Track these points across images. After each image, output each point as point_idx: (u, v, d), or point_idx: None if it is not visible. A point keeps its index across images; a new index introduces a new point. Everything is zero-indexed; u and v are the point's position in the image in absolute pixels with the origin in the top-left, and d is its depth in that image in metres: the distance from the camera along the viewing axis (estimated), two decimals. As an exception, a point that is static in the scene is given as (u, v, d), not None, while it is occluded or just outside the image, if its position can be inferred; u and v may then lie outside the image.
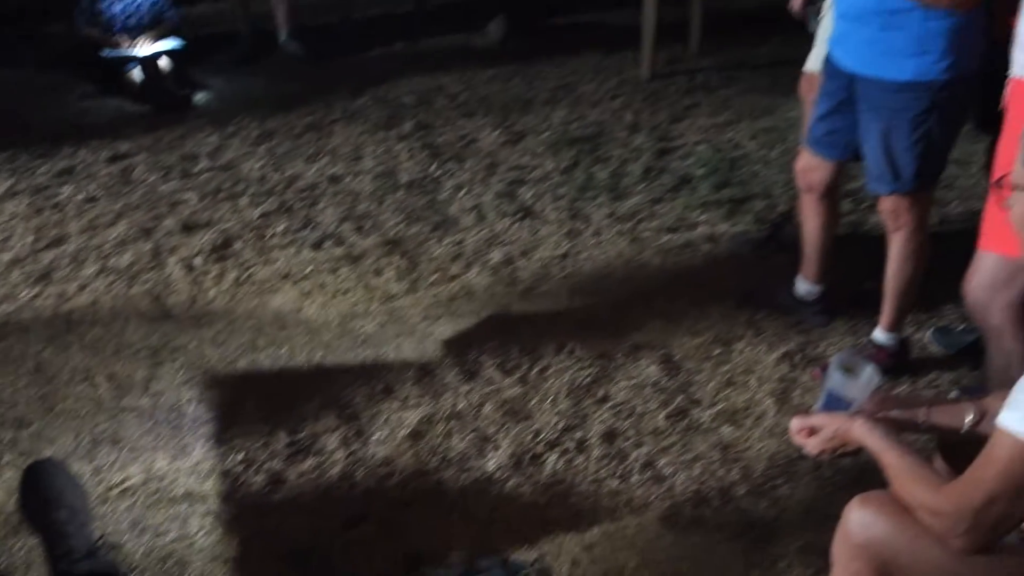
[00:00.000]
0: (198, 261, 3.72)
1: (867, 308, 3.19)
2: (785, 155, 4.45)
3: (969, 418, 1.76)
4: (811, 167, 3.06)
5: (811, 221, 3.19)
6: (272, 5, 5.86)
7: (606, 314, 3.38)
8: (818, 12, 3.35)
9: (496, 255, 3.75)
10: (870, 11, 2.65)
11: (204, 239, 3.86)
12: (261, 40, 5.88)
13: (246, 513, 2.56)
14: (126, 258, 3.74)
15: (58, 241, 3.87)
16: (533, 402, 2.95)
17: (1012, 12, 2.35)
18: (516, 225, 3.97)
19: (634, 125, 4.90)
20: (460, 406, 2.93)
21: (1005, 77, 2.38)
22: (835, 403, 1.86)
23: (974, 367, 2.97)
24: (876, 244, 3.10)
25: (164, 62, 5.24)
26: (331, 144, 4.71)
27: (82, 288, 3.56)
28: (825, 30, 3.19)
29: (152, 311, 3.44)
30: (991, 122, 2.75)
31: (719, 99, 5.24)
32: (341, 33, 6.18)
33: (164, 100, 5.11)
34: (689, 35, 5.96)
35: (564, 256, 3.75)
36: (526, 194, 4.21)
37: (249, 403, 2.95)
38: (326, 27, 6.29)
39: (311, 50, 5.84)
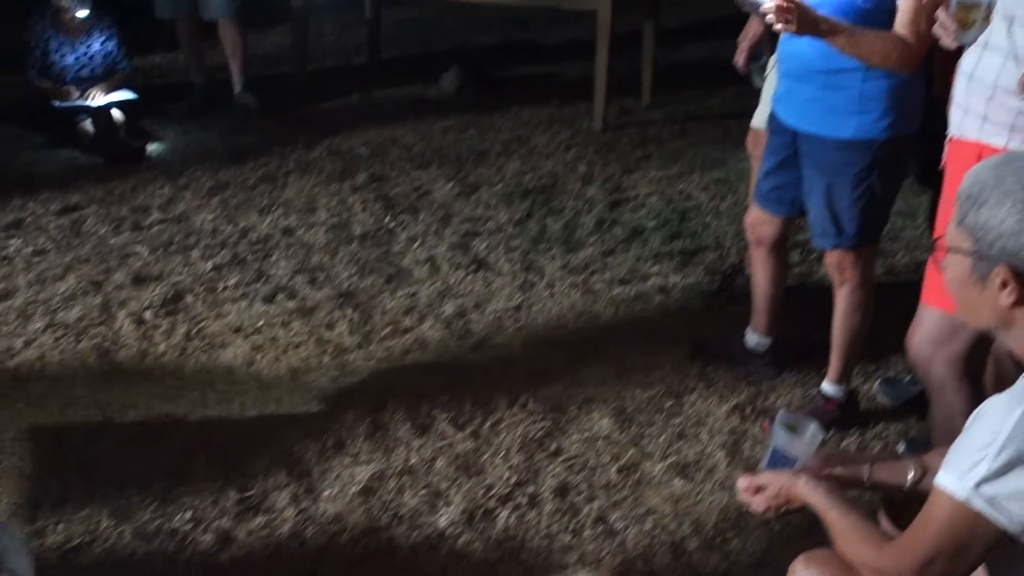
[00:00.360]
0: (148, 315, 3.69)
1: (816, 359, 3.24)
2: (736, 207, 4.51)
3: (911, 475, 1.79)
4: (760, 222, 3.11)
5: (761, 274, 3.24)
6: (227, 56, 5.87)
7: (559, 367, 3.39)
8: (763, 69, 3.42)
9: (449, 307, 3.76)
10: (813, 70, 2.71)
11: (155, 292, 3.83)
12: (215, 91, 5.88)
13: (194, 573, 2.52)
14: (74, 312, 3.70)
15: (5, 295, 3.82)
16: (485, 456, 2.94)
17: (951, 71, 2.42)
18: (470, 277, 3.98)
19: (587, 177, 4.95)
20: (412, 461, 2.92)
21: (944, 134, 2.45)
22: (780, 461, 1.89)
23: (921, 418, 3.01)
24: (825, 295, 3.16)
25: (117, 113, 5.22)
26: (285, 196, 4.71)
27: (29, 343, 3.51)
28: (770, 86, 3.26)
29: (100, 366, 3.40)
30: (932, 177, 2.82)
31: (671, 151, 5.32)
32: (296, 84, 6.20)
33: (116, 152, 5.09)
34: (641, 87, 6.05)
35: (517, 308, 3.77)
36: (480, 246, 4.23)
37: (199, 459, 2.92)
38: (281, 78, 6.31)
39: (266, 101, 5.84)
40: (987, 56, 2.16)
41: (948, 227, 1.59)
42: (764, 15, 2.44)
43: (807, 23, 2.45)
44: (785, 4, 2.42)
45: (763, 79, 3.41)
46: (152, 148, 5.25)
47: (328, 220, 4.46)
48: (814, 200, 2.85)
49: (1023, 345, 1.54)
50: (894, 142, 2.71)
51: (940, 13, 2.26)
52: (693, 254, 4.16)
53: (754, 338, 3.34)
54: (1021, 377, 1.47)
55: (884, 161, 2.73)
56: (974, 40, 2.20)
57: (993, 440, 1.42)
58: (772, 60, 3.31)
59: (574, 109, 5.86)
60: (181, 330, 3.60)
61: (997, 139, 2.16)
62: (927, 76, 2.79)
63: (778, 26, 2.46)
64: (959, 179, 2.25)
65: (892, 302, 3.12)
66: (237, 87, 5.88)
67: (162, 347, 3.50)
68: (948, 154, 2.34)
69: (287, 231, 4.36)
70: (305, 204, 4.62)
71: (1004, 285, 1.51)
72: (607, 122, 5.60)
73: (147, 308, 3.73)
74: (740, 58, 3.55)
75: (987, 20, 2.16)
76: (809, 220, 2.95)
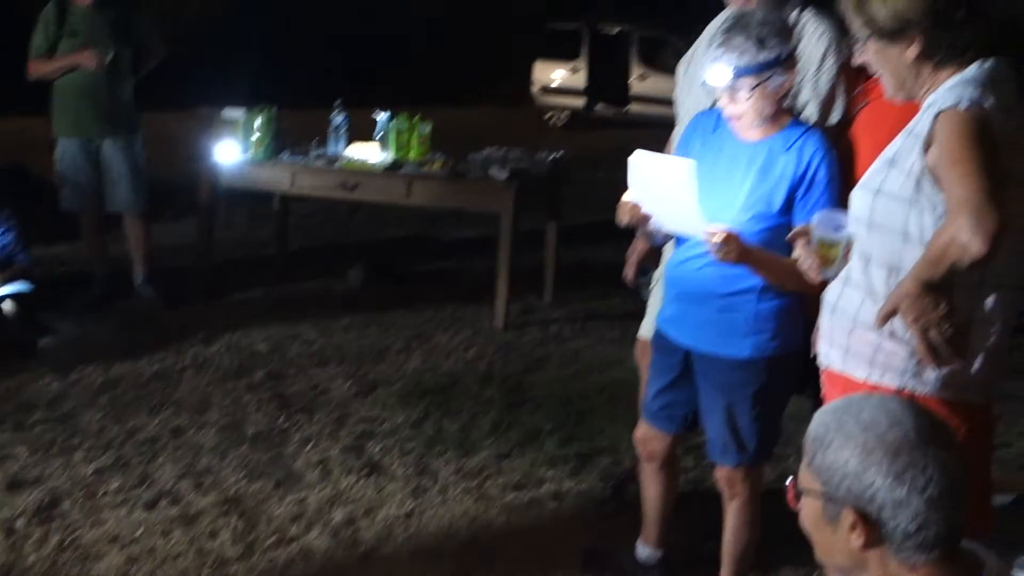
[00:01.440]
0: (20, 523, 3.52)
1: (707, 570, 3.20)
2: (631, 410, 4.51)
3: None
4: (649, 438, 3.13)
5: (651, 489, 3.23)
6: (129, 248, 5.87)
7: (447, 579, 3.30)
8: (649, 283, 3.52)
9: (338, 514, 3.66)
10: (710, 294, 2.79)
11: (30, 498, 3.67)
12: (116, 283, 5.83)
13: None
14: (-60, 521, 3.52)
15: None
16: None
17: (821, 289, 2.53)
18: (361, 482, 3.90)
19: (486, 376, 4.97)
20: None
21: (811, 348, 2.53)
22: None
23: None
24: (716, 501, 3.15)
25: (8, 306, 5.13)
26: (178, 394, 4.62)
27: None
28: (656, 299, 3.33)
29: (-38, 581, 3.21)
30: (807, 387, 2.90)
31: (570, 351, 5.38)
32: (200, 277, 6.17)
33: (6, 345, 4.97)
34: (544, 285, 6.18)
35: (408, 515, 3.69)
36: (374, 448, 4.17)
37: None
38: (185, 270, 6.29)
39: (167, 294, 5.81)
40: (848, 291, 2.25)
41: (800, 469, 1.61)
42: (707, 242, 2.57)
43: (743, 254, 2.59)
44: (725, 237, 2.55)
45: (649, 292, 3.50)
46: (44, 342, 5.14)
47: (220, 420, 4.38)
48: (714, 419, 2.88)
49: None
50: (787, 359, 2.80)
51: (802, 249, 2.37)
52: (588, 458, 4.15)
53: (645, 550, 3.30)
54: None
55: (779, 378, 2.81)
56: (836, 275, 2.29)
57: None
58: (658, 273, 3.41)
59: (477, 306, 5.94)
60: (54, 540, 3.44)
61: (858, 372, 2.23)
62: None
63: (717, 257, 2.58)
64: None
65: (783, 507, 3.11)
66: (139, 279, 5.85)
67: (31, 559, 3.33)
68: (824, 383, 2.40)
69: (176, 431, 4.26)
70: (198, 403, 4.54)
71: (853, 527, 1.52)
72: (509, 320, 5.67)
73: (19, 516, 3.56)
74: (628, 272, 3.65)
75: (847, 258, 2.26)
76: (709, 438, 2.98)
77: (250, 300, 6.03)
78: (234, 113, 5.87)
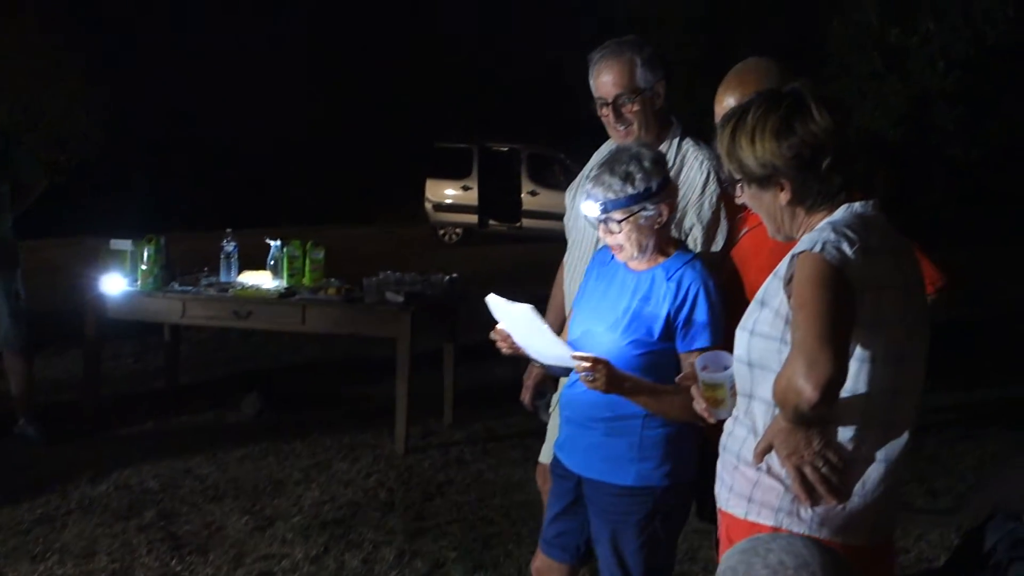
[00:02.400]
0: None
1: None
2: (537, 531, 4.47)
3: None
4: (546, 569, 3.07)
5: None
6: (9, 384, 5.64)
7: None
8: (548, 405, 3.51)
9: (236, 663, 3.49)
10: (595, 417, 2.79)
11: (-102, 665, 3.42)
12: (-4, 423, 5.59)
13: None
14: None
15: None
16: None
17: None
18: (260, 625, 3.74)
19: (388, 504, 4.86)
20: None
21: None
22: None
23: None
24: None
25: None
26: (62, 540, 4.38)
27: None
28: (555, 423, 3.32)
29: None
30: (708, 512, 2.88)
31: (473, 473, 5.32)
32: (86, 413, 5.95)
33: None
34: (444, 407, 6.12)
35: (310, 659, 3.54)
36: (273, 588, 4.02)
37: None
38: (70, 406, 6.06)
39: (50, 433, 5.57)
40: (735, 428, 2.27)
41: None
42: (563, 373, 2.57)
43: (613, 382, 2.60)
44: (593, 365, 2.56)
45: (548, 415, 3.49)
46: (-83, 490, 4.86)
47: (108, 566, 4.16)
48: (601, 547, 2.85)
49: None
50: (675, 489, 2.76)
51: (693, 391, 2.39)
52: (495, 586, 4.07)
53: None
54: None
55: (666, 508, 2.76)
56: (729, 414, 2.31)
57: None
58: (556, 396, 3.40)
59: (376, 431, 5.84)
60: None
61: (737, 510, 2.22)
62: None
63: (588, 385, 2.60)
64: (724, 549, 2.30)
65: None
66: (19, 418, 5.60)
67: None
68: (720, 523, 2.38)
69: (60, 581, 4.03)
70: (84, 548, 4.31)
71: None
72: (409, 445, 5.59)
73: None
74: (525, 396, 3.64)
75: (735, 396, 2.29)
76: (599, 566, 2.94)
77: (140, 435, 5.82)
78: (121, 244, 5.76)
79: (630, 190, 2.65)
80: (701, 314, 2.67)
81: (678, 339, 2.70)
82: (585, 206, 2.74)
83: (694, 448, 2.78)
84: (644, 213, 2.68)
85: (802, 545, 1.51)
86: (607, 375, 2.59)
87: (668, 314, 2.68)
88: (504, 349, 2.83)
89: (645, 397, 2.66)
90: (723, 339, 2.60)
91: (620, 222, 2.68)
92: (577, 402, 2.84)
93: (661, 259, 2.75)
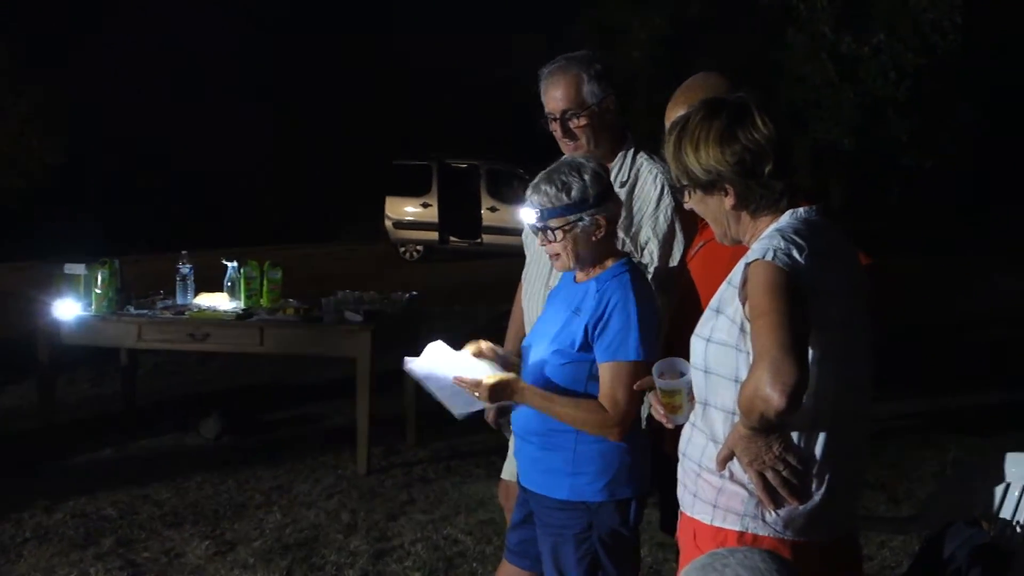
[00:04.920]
0: None
1: None
2: (501, 549, 4.44)
3: None
4: (507, 576, 3.05)
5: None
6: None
7: None
8: (511, 422, 3.49)
9: None
10: (530, 431, 2.79)
11: None
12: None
13: None
14: None
15: None
16: None
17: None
18: (221, 653, 3.68)
19: (351, 526, 4.81)
20: None
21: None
22: None
23: None
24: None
25: None
26: (17, 571, 4.29)
27: None
28: (518, 439, 3.30)
29: None
30: (672, 525, 2.86)
31: (437, 492, 5.28)
32: (41, 440, 5.84)
33: None
34: (406, 426, 6.08)
35: None
36: (234, 614, 3.95)
37: None
38: (24, 434, 5.96)
39: (3, 462, 5.47)
40: (695, 435, 2.27)
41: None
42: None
43: (495, 396, 2.68)
44: (471, 388, 2.67)
45: (511, 432, 3.46)
46: None
47: (65, 597, 4.09)
48: (544, 558, 2.82)
49: None
50: (612, 506, 2.71)
51: (650, 397, 2.39)
52: (460, 605, 4.03)
53: None
54: None
55: (603, 524, 2.71)
56: (687, 420, 2.31)
57: None
58: (519, 413, 3.38)
59: (338, 452, 5.80)
60: None
61: (704, 516, 2.22)
62: (654, 436, 2.86)
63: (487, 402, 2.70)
64: (688, 554, 2.30)
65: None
66: (-27, 448, 5.50)
67: None
68: (679, 526, 2.39)
69: (16, 614, 3.95)
70: (40, 579, 4.23)
71: None
72: (371, 465, 5.54)
73: None
74: (489, 414, 3.62)
75: (692, 402, 2.29)
76: None
77: (96, 462, 5.72)
78: (75, 268, 5.67)
79: (565, 199, 2.67)
80: (614, 325, 2.65)
81: (595, 349, 2.69)
82: (524, 213, 2.77)
83: (640, 464, 2.75)
84: (580, 224, 2.68)
85: (759, 559, 1.51)
86: (487, 391, 2.67)
87: (587, 325, 2.68)
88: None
89: (539, 404, 2.70)
90: (644, 353, 2.61)
91: (555, 231, 2.69)
92: (517, 415, 2.86)
93: (599, 271, 2.75)
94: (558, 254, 2.74)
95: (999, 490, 2.78)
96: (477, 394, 2.69)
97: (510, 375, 2.75)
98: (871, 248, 2.74)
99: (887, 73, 17.75)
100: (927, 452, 5.96)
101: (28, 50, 18.09)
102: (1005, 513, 2.74)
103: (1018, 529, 2.71)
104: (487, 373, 2.74)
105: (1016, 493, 2.75)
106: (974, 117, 19.59)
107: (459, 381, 2.71)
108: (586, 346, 2.69)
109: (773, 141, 2.15)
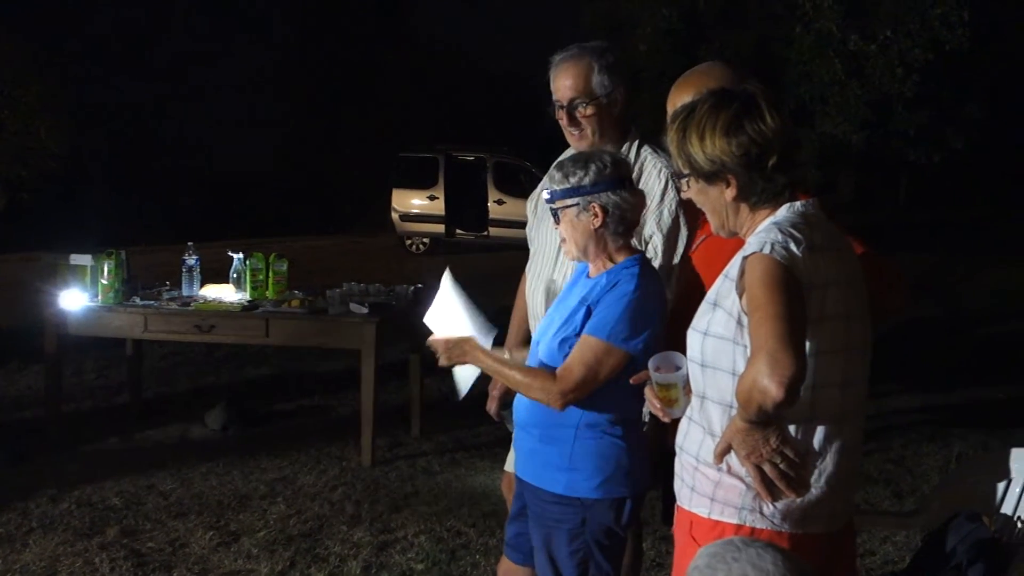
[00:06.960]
0: None
1: None
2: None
3: None
4: (506, 570, 3.05)
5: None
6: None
7: None
8: (513, 414, 3.49)
9: None
10: (531, 423, 2.79)
11: None
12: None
13: None
14: None
15: None
16: None
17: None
18: (225, 643, 3.69)
19: (354, 517, 4.82)
20: None
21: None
22: None
23: None
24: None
25: None
26: (22, 560, 4.31)
27: None
28: (521, 431, 3.31)
29: None
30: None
31: (440, 484, 5.29)
32: (47, 429, 5.87)
33: None
34: (411, 418, 6.10)
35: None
36: (238, 604, 3.97)
37: None
38: (31, 423, 5.99)
39: (10, 451, 5.49)
40: (692, 429, 2.27)
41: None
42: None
43: (450, 350, 2.84)
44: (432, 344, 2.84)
45: (514, 424, 3.47)
46: None
47: (70, 586, 4.10)
48: (537, 551, 2.82)
49: None
50: (607, 503, 2.71)
51: (647, 392, 2.39)
52: (463, 597, 4.05)
53: None
54: None
55: (597, 521, 2.71)
56: (683, 413, 2.32)
57: None
58: (522, 406, 3.39)
59: (343, 444, 5.81)
60: None
61: (701, 510, 2.22)
62: (655, 433, 2.86)
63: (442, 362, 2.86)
64: (683, 547, 2.31)
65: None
66: (-21, 437, 5.53)
67: None
68: (675, 518, 2.39)
69: (21, 602, 3.97)
70: (45, 568, 4.24)
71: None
72: (376, 457, 5.55)
73: None
74: (492, 406, 3.63)
75: (688, 395, 2.29)
76: (536, 571, 2.91)
77: (102, 452, 5.74)
78: (81, 258, 5.69)
79: (565, 184, 2.70)
80: (604, 306, 2.65)
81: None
82: (538, 194, 2.87)
83: (638, 464, 2.75)
84: (573, 209, 2.69)
85: (771, 560, 1.50)
86: (442, 347, 2.85)
87: (588, 306, 2.70)
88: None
89: (493, 369, 2.82)
90: (623, 341, 2.62)
91: (557, 212, 2.74)
92: (519, 407, 2.87)
93: (610, 265, 2.75)
94: (564, 239, 2.78)
95: (1001, 485, 2.77)
96: (439, 355, 2.85)
97: (466, 335, 2.86)
98: (878, 242, 2.74)
99: (894, 69, 17.70)
100: (932, 447, 5.96)
101: (35, 41, 18.11)
102: (1007, 508, 2.74)
103: (1020, 524, 2.71)
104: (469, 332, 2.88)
105: (1018, 489, 2.75)
106: (981, 112, 19.54)
107: (433, 343, 2.86)
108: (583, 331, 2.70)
109: (780, 135, 2.15)
